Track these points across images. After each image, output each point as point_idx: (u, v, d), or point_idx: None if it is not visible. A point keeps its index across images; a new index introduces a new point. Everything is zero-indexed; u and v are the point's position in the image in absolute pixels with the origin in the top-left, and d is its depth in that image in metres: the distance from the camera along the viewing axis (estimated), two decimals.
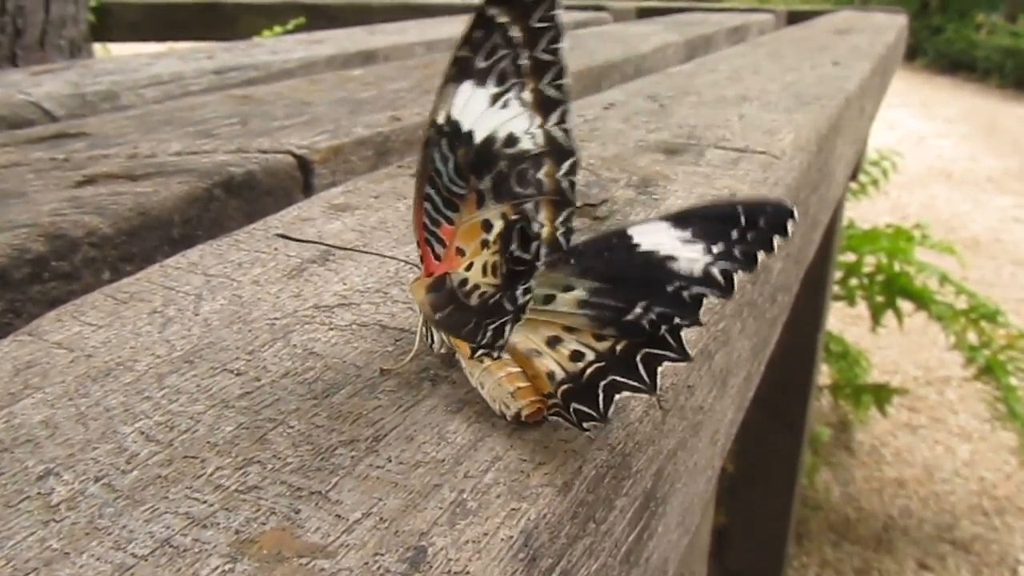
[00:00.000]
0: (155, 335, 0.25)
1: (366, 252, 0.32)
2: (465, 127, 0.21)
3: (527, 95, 0.20)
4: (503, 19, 0.20)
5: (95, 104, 0.67)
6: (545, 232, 0.21)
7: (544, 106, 0.20)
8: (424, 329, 0.24)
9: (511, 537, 0.17)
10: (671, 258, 0.21)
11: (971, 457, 1.78)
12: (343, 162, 0.49)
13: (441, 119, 0.21)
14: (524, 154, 0.20)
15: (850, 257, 1.69)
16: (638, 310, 0.20)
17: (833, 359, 1.71)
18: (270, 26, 1.54)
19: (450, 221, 0.22)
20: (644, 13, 1.71)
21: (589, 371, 0.21)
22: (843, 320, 2.06)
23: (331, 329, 0.26)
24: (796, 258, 0.49)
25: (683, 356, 0.21)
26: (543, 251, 0.19)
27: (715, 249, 0.20)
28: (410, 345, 0.24)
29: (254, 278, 0.29)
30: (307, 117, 0.55)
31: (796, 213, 0.21)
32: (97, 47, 1.58)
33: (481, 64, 0.20)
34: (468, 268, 0.21)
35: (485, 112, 0.20)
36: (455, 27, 1.26)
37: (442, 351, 0.24)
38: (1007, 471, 1.73)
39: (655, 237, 0.21)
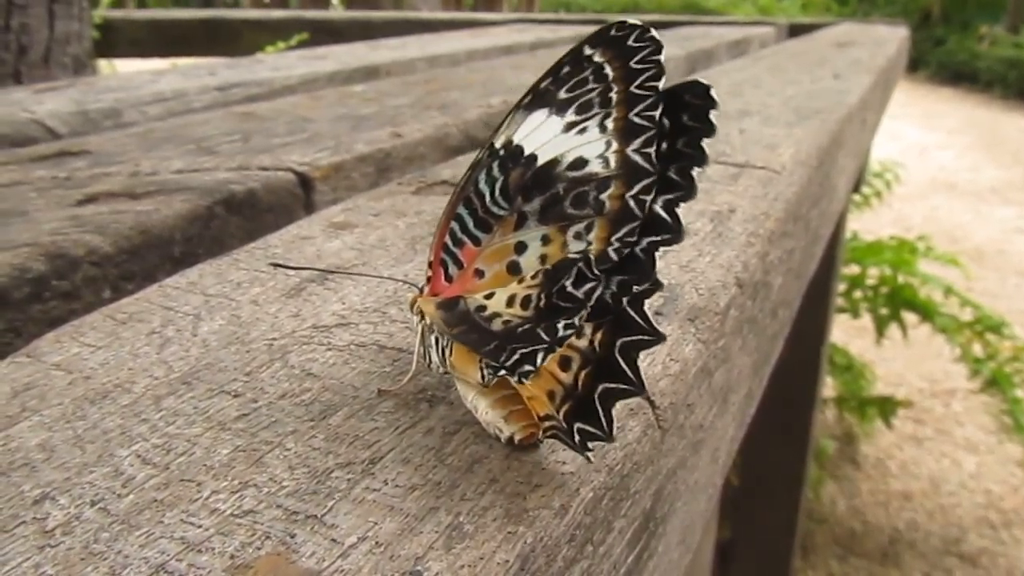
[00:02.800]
0: (153, 356, 0.25)
1: (360, 275, 0.32)
2: (527, 151, 0.21)
3: (610, 123, 0.20)
4: (599, 59, 0.20)
5: (98, 121, 0.67)
6: (595, 250, 0.20)
7: (628, 132, 0.20)
8: (422, 349, 0.24)
9: (507, 561, 0.17)
10: None
11: (977, 469, 1.77)
12: (344, 179, 0.49)
13: (499, 143, 0.21)
14: (590, 177, 0.20)
15: (854, 269, 1.69)
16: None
17: (838, 371, 1.71)
18: (273, 41, 1.54)
19: (476, 242, 0.22)
20: None
21: (581, 379, 0.20)
22: (847, 332, 2.05)
23: (329, 349, 0.26)
24: (797, 273, 0.49)
25: (654, 335, 0.20)
26: (596, 295, 0.19)
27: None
28: (408, 366, 0.24)
29: (253, 298, 0.30)
30: (308, 134, 0.55)
31: (714, 93, 0.20)
32: (102, 63, 1.59)
33: (563, 95, 0.21)
34: (488, 297, 0.21)
35: (556, 138, 0.21)
36: (456, 42, 1.26)
37: (439, 371, 0.24)
38: (1014, 483, 1.72)
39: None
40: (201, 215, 0.41)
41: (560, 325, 0.19)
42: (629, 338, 0.20)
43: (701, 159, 0.20)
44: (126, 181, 0.44)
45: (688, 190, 0.20)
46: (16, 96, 0.73)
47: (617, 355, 0.20)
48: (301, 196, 0.47)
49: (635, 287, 0.20)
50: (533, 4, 5.33)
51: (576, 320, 0.19)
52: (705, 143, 0.20)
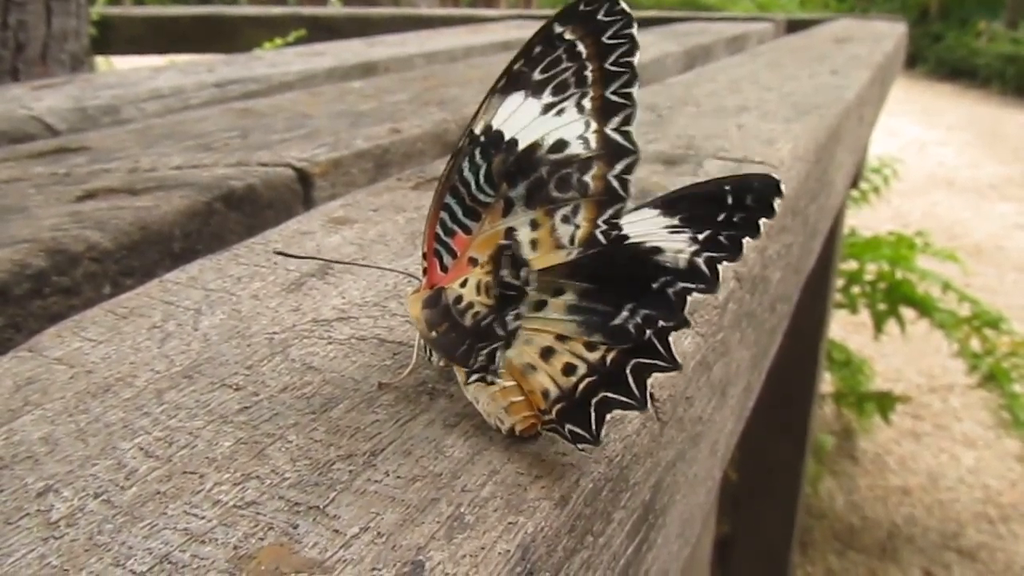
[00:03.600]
0: (154, 350, 0.25)
1: (364, 265, 0.32)
2: (507, 135, 0.21)
3: (587, 103, 0.20)
4: (571, 36, 0.20)
5: (96, 118, 0.67)
6: (582, 232, 0.20)
7: (606, 111, 0.20)
8: (422, 342, 0.24)
9: (508, 551, 0.17)
10: (658, 250, 0.21)
11: (976, 464, 1.77)
12: (343, 175, 0.49)
13: (478, 129, 0.21)
14: (571, 159, 0.20)
15: (852, 265, 1.69)
16: (625, 314, 0.20)
17: (836, 367, 1.71)
18: (271, 38, 1.54)
19: (467, 230, 0.22)
20: (643, 23, 1.71)
21: (582, 386, 0.21)
22: (846, 328, 2.06)
23: (329, 343, 0.26)
24: (796, 267, 0.49)
25: (672, 364, 0.20)
26: (533, 278, 0.19)
27: (701, 236, 0.21)
28: (408, 359, 0.25)
29: (253, 292, 0.30)
30: (307, 130, 0.55)
31: (783, 187, 0.21)
32: (99, 61, 1.58)
33: (538, 77, 0.20)
34: (463, 284, 0.21)
35: (535, 121, 0.21)
36: (454, 39, 1.26)
37: (440, 364, 0.24)
38: (1012, 478, 1.72)
39: (643, 226, 0.21)
40: (200, 211, 0.41)
41: (509, 318, 0.19)
42: (645, 360, 0.20)
43: (753, 232, 0.21)
44: (125, 177, 0.44)
45: (734, 253, 0.21)
46: (14, 93, 0.73)
47: (628, 373, 0.20)
48: (300, 192, 0.47)
49: (661, 322, 0.20)
50: (531, 1, 5.33)
51: (522, 309, 0.19)
52: (762, 223, 0.21)
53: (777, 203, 0.21)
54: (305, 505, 0.18)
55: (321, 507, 0.18)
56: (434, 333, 0.21)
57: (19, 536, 0.17)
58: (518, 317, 0.20)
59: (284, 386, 0.23)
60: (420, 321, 0.22)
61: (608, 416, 0.20)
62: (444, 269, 0.23)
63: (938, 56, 7.27)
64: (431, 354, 0.24)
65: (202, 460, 0.20)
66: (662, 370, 0.20)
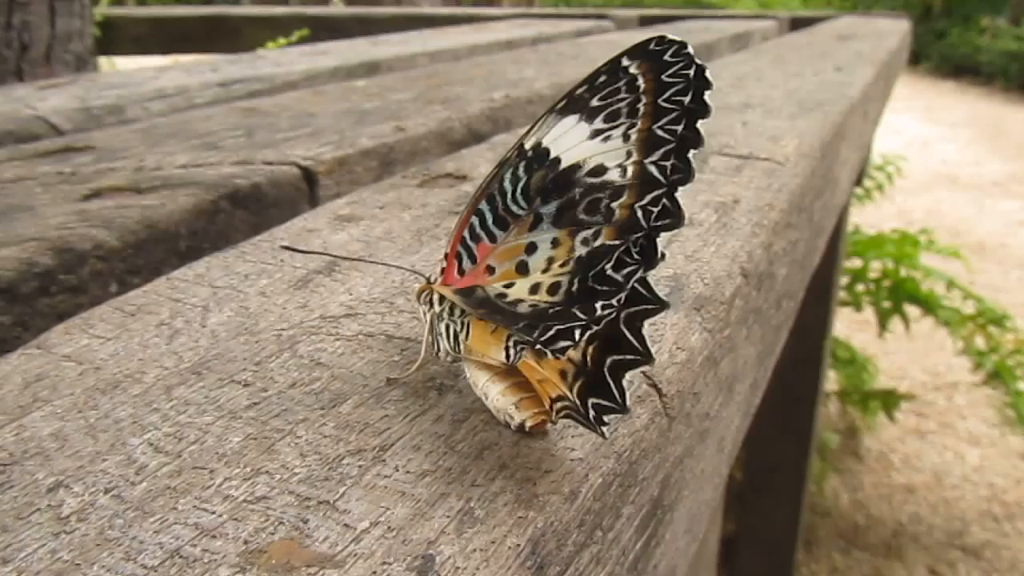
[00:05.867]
0: (163, 347, 0.25)
1: (371, 262, 0.32)
2: (553, 154, 0.21)
3: (634, 133, 0.20)
4: (635, 70, 0.20)
5: (101, 118, 0.67)
6: None
7: (648, 144, 0.20)
8: (430, 338, 0.24)
9: (518, 545, 0.17)
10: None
11: (980, 462, 1.77)
12: (348, 173, 0.49)
13: (529, 144, 0.21)
14: (606, 184, 0.20)
15: (856, 263, 1.69)
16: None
17: (840, 365, 1.71)
18: (274, 38, 1.54)
19: (492, 239, 0.22)
20: (646, 21, 1.72)
21: (590, 354, 0.21)
22: (850, 326, 2.05)
23: (337, 339, 0.26)
24: (801, 264, 0.49)
25: (658, 304, 0.20)
26: (634, 279, 0.20)
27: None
28: (416, 355, 0.25)
29: (260, 289, 0.30)
30: (311, 128, 0.55)
31: (709, 73, 0.20)
32: (103, 61, 1.59)
33: (595, 103, 0.21)
34: (507, 286, 0.21)
35: (581, 143, 0.21)
36: (458, 38, 1.26)
37: (448, 360, 0.24)
38: (1017, 476, 1.72)
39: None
40: (206, 209, 0.41)
41: (598, 306, 0.19)
42: (633, 308, 0.20)
43: (697, 141, 0.20)
44: (131, 176, 0.44)
45: (686, 173, 0.20)
46: (19, 93, 0.73)
47: (622, 326, 0.20)
48: (305, 191, 0.47)
49: (640, 271, 0.20)
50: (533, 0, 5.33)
51: (615, 301, 0.20)
52: (700, 124, 0.20)
53: (709, 95, 0.20)
54: (315, 500, 0.18)
55: (331, 502, 0.18)
56: (479, 311, 0.22)
57: (30, 531, 0.17)
58: (608, 307, 0.20)
59: (293, 382, 0.23)
60: (459, 302, 0.22)
61: (624, 380, 0.20)
62: (461, 273, 0.23)
63: (941, 53, 7.26)
64: (439, 349, 0.24)
65: (212, 455, 0.20)
66: (652, 313, 0.20)
